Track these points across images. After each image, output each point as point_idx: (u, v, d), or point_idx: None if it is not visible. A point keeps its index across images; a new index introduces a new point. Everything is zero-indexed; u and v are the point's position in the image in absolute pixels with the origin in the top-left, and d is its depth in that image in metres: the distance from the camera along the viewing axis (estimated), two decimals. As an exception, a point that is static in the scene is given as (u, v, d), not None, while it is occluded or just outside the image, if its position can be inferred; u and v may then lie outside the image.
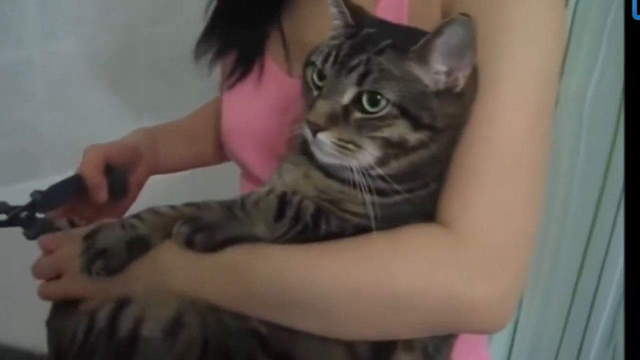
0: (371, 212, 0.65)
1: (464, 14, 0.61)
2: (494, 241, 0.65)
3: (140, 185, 1.01)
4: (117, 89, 1.57)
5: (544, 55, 0.69)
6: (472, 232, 0.65)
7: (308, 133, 0.65)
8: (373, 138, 0.64)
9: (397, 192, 0.67)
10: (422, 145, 0.64)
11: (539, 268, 1.48)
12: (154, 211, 0.71)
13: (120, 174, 0.95)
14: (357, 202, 0.67)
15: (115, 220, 0.73)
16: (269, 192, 0.70)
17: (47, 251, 0.78)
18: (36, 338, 0.79)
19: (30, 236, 0.85)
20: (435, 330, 0.70)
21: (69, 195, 0.90)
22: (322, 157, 0.66)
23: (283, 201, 0.68)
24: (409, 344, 0.70)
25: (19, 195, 1.42)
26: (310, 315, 0.67)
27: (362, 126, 0.63)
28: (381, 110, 0.63)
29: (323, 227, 0.68)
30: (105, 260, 0.69)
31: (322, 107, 0.64)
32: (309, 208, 0.68)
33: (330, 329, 0.68)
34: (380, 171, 0.65)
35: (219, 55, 0.97)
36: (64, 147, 1.53)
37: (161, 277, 0.70)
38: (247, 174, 1.01)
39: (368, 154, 0.64)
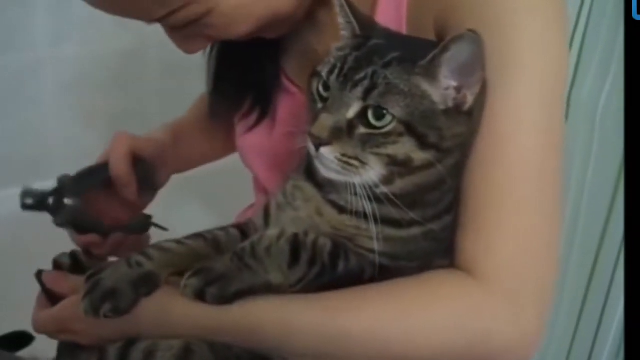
0: (375, 245, 0.65)
1: (472, 31, 0.59)
2: (519, 282, 0.64)
3: (162, 185, 1.00)
4: (126, 92, 1.58)
5: (549, 73, 0.66)
6: (497, 276, 0.64)
7: (311, 147, 0.63)
8: (378, 155, 0.62)
9: (410, 224, 0.66)
10: (428, 165, 0.63)
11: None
12: (159, 247, 0.70)
13: (147, 167, 0.93)
14: (372, 237, 0.65)
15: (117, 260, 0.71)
16: (280, 236, 0.67)
17: (51, 288, 0.78)
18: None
19: (58, 223, 0.85)
20: None
21: (96, 183, 0.89)
22: (325, 172, 0.64)
23: (296, 245, 0.66)
24: None
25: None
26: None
27: (367, 142, 0.62)
28: (386, 125, 0.61)
29: (341, 265, 0.66)
30: (113, 301, 0.66)
31: (326, 121, 0.62)
32: (326, 246, 0.66)
33: None
34: (384, 189, 0.63)
35: (237, 108, 0.95)
36: (72, 151, 1.54)
37: (168, 326, 0.68)
38: (260, 186, 1.01)
39: (372, 171, 0.62)
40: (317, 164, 0.65)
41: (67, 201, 0.84)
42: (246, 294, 0.65)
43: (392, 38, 0.68)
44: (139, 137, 0.94)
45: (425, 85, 0.62)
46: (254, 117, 0.92)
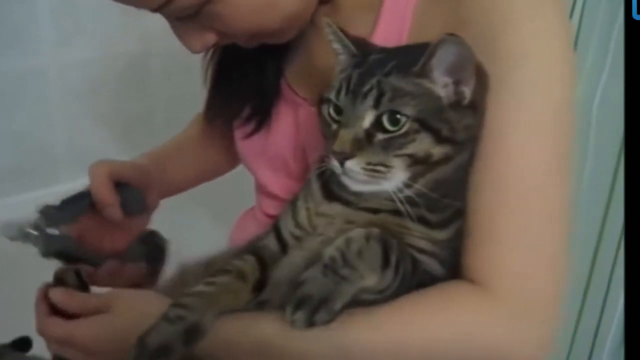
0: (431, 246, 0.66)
1: (451, 34, 0.61)
2: (527, 291, 0.65)
3: (152, 209, 0.99)
4: (132, 96, 1.58)
5: (557, 102, 0.67)
6: (503, 287, 0.65)
7: (336, 165, 0.64)
8: (400, 157, 0.64)
9: (440, 225, 0.67)
10: (446, 158, 0.65)
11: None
12: (193, 294, 0.68)
13: (133, 190, 0.91)
14: (420, 236, 0.67)
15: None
16: (368, 236, 0.64)
17: (61, 307, 0.77)
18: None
19: (43, 253, 0.83)
20: None
21: (80, 210, 0.86)
22: (354, 186, 0.66)
23: (386, 245, 0.64)
24: None
25: (32, 204, 1.44)
26: None
27: (387, 146, 0.63)
28: (402, 127, 0.63)
29: (417, 275, 0.66)
30: (164, 359, 0.64)
31: (345, 136, 0.64)
32: (408, 255, 0.66)
33: None
34: (409, 192, 0.64)
35: (234, 116, 0.95)
36: (78, 156, 1.55)
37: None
38: (261, 188, 1.01)
39: (399, 173, 0.64)
40: (345, 180, 0.66)
41: (50, 231, 0.82)
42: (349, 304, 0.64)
43: (388, 51, 0.70)
44: (118, 162, 0.93)
45: (427, 84, 0.64)
46: (251, 125, 0.93)
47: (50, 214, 0.83)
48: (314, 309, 0.62)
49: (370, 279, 0.64)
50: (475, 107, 0.66)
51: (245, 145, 0.96)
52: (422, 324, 0.66)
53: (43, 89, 1.44)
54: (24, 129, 1.44)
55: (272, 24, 0.75)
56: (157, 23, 0.78)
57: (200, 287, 0.69)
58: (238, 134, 0.96)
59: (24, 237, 0.81)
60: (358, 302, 0.65)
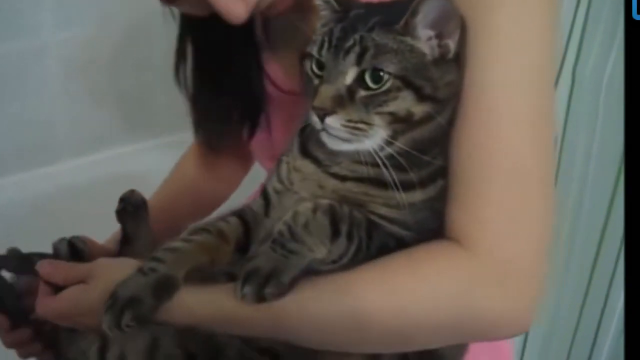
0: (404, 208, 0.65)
1: None
2: (509, 252, 0.65)
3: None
4: (132, 75, 1.58)
5: (536, 57, 0.67)
6: (487, 247, 0.65)
7: (316, 120, 0.64)
8: (380, 114, 0.63)
9: (421, 184, 0.67)
10: (427, 117, 0.64)
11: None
12: (169, 249, 0.69)
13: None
14: (382, 203, 0.66)
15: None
16: (315, 209, 0.65)
17: (46, 279, 0.75)
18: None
19: None
20: (461, 341, 0.73)
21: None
22: (334, 145, 0.66)
23: (334, 216, 0.65)
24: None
25: (34, 182, 1.45)
26: (336, 340, 0.67)
27: (369, 103, 0.63)
28: (385, 84, 0.63)
29: (376, 240, 0.66)
30: (134, 310, 0.64)
31: (326, 91, 0.64)
32: (362, 221, 0.66)
33: (354, 349, 0.68)
34: (390, 149, 0.64)
35: (223, 123, 0.95)
36: (79, 134, 1.55)
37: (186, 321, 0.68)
38: None
39: (380, 130, 0.64)
40: (324, 138, 0.66)
41: (3, 273, 0.81)
42: (299, 276, 0.65)
43: (370, 6, 0.70)
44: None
45: (410, 41, 0.64)
46: (245, 131, 0.94)
47: (11, 257, 0.82)
48: (261, 283, 0.63)
49: (320, 251, 0.64)
50: (458, 62, 0.66)
51: (253, 146, 0.98)
52: (397, 284, 0.65)
53: (43, 69, 1.45)
54: (26, 108, 1.44)
55: None
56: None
57: (176, 243, 0.70)
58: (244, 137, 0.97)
59: None
60: (316, 273, 0.66)
